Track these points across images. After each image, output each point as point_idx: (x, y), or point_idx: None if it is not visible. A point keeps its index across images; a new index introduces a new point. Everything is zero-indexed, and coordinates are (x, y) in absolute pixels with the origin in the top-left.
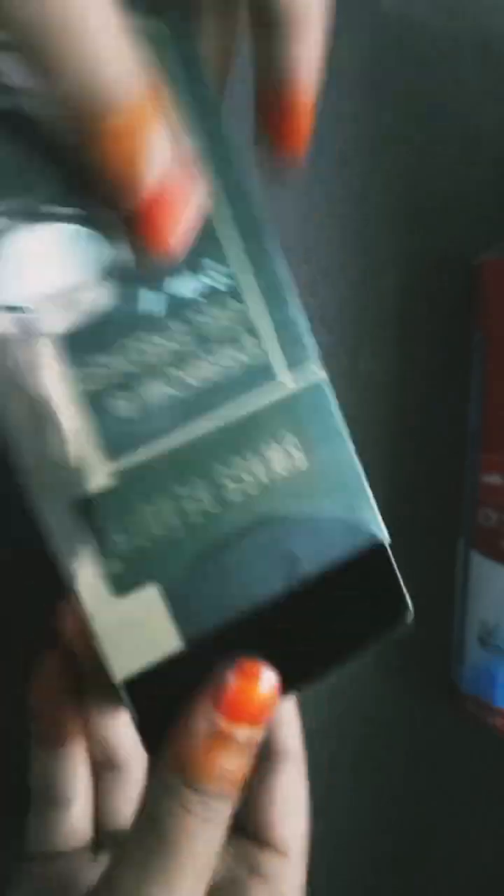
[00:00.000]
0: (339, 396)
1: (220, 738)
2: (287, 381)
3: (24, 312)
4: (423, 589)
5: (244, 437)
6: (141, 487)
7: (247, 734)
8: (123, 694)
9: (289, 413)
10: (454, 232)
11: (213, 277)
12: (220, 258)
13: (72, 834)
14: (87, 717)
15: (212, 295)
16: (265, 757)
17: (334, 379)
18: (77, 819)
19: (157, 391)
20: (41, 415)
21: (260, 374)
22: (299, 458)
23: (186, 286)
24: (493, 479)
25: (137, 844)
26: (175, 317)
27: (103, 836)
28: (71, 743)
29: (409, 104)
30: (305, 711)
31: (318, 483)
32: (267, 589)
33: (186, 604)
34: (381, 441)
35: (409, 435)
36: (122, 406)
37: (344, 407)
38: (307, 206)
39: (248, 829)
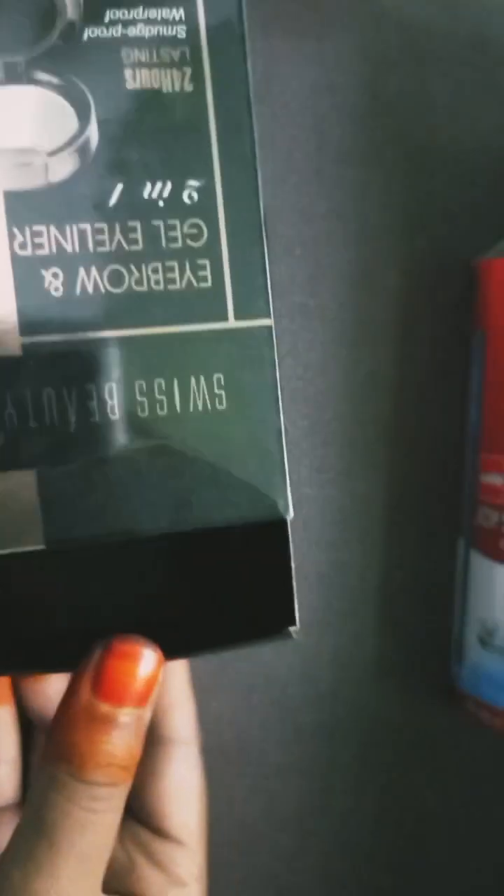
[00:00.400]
0: (339, 396)
1: (103, 723)
2: (231, 317)
3: None
4: (423, 589)
5: (170, 358)
6: (47, 372)
7: (131, 714)
8: None
9: (224, 350)
10: (454, 232)
11: (184, 187)
12: (199, 171)
13: None
14: (17, 678)
15: (177, 204)
16: (155, 742)
17: (334, 379)
18: (4, 778)
19: (91, 282)
20: None
21: (204, 301)
22: (220, 400)
23: (154, 187)
24: (493, 479)
25: (24, 838)
26: (131, 213)
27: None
28: (0, 703)
29: (409, 104)
30: (306, 711)
31: (232, 432)
32: (149, 525)
33: (59, 506)
34: (381, 441)
35: (409, 435)
36: (51, 283)
37: (344, 406)
38: (307, 205)
39: (141, 817)
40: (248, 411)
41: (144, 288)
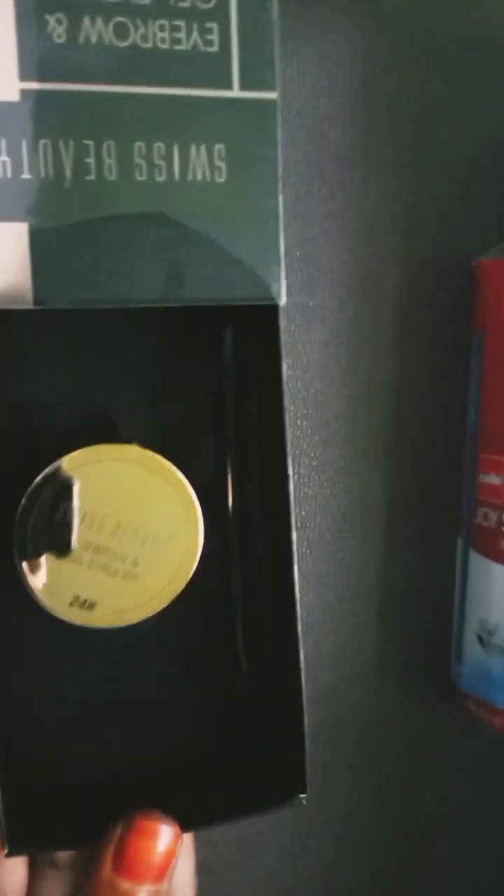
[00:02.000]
0: (339, 396)
1: None
2: (236, 86)
3: None
4: (422, 589)
5: (171, 122)
6: (44, 121)
7: (150, 890)
8: None
9: (227, 119)
10: (454, 232)
11: None
12: None
13: None
14: None
15: None
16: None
17: (334, 379)
18: None
19: (95, 32)
20: None
21: (209, 65)
22: (221, 172)
23: None
24: (492, 479)
25: None
26: None
27: None
28: None
29: (409, 104)
30: (306, 711)
31: (231, 207)
32: (141, 295)
33: (51, 265)
34: (381, 441)
35: (408, 435)
36: (54, 29)
37: (344, 406)
38: (307, 205)
39: None
40: (248, 187)
41: (149, 44)
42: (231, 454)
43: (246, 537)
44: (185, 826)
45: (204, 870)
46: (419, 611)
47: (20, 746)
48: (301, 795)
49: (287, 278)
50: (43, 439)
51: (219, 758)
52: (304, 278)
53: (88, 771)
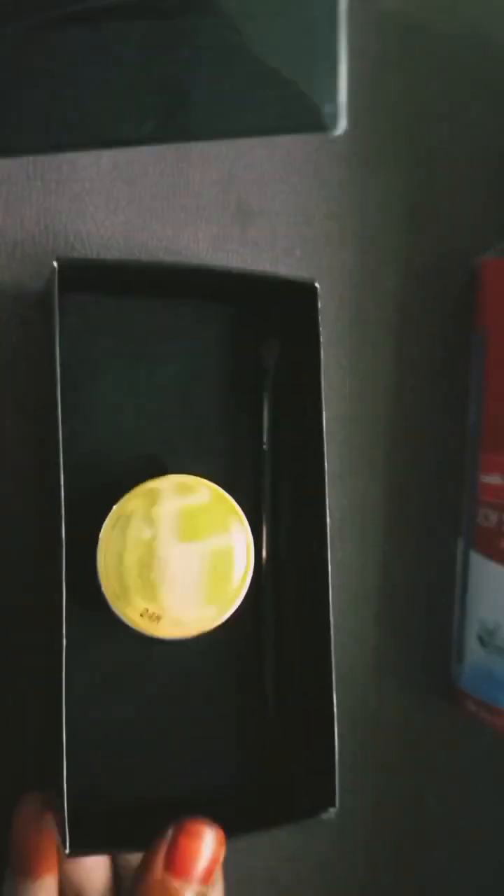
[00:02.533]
0: (338, 396)
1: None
2: None
3: None
4: (422, 589)
5: None
6: None
7: (196, 891)
8: None
9: None
10: (454, 232)
11: None
12: None
13: None
14: (60, 856)
15: None
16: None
17: (334, 379)
18: None
19: None
20: None
21: None
22: None
23: None
24: (492, 479)
25: None
26: None
27: None
28: (44, 876)
29: (409, 104)
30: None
31: (289, 33)
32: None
33: None
34: (381, 441)
35: (409, 435)
36: None
37: (343, 406)
38: (307, 206)
39: None
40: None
41: None
42: (269, 484)
43: (280, 579)
44: (227, 833)
45: None
46: (419, 611)
47: (82, 757)
48: (331, 809)
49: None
50: (112, 462)
51: (257, 773)
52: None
53: (141, 781)
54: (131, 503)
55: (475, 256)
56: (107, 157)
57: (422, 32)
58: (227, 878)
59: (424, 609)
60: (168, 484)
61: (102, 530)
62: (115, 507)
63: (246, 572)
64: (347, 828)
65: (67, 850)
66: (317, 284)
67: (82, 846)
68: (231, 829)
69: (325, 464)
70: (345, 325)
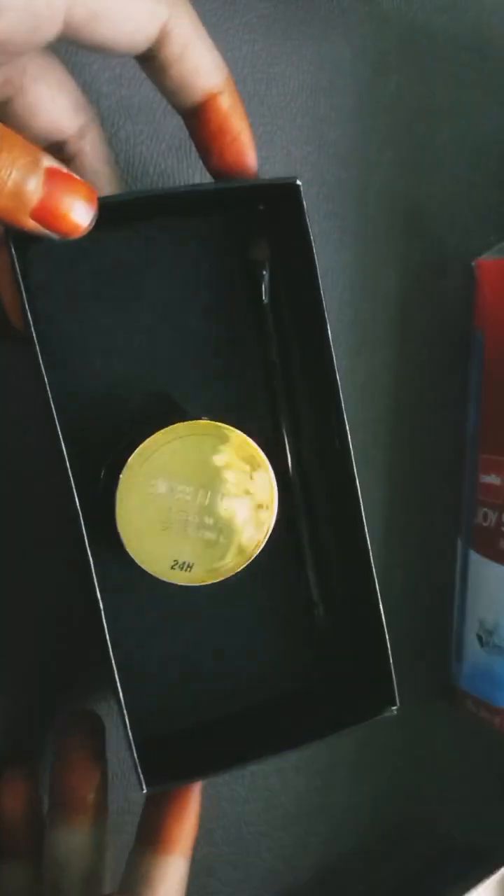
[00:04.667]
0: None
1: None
2: None
3: None
4: (422, 589)
5: None
6: None
7: None
8: None
9: None
10: (454, 232)
11: None
12: None
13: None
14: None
15: None
16: (157, 850)
17: None
18: None
19: None
20: None
21: None
22: None
23: None
24: (491, 479)
25: None
26: None
27: None
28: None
29: (410, 104)
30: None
31: None
32: None
33: None
34: (381, 441)
35: (409, 435)
36: None
37: (344, 406)
38: (307, 206)
39: None
40: None
41: None
42: (284, 411)
43: (308, 488)
44: (295, 742)
45: (204, 870)
46: (419, 611)
47: (139, 700)
48: (392, 707)
49: None
50: (114, 411)
51: (315, 683)
52: None
53: (205, 711)
54: (146, 457)
55: (475, 256)
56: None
57: (422, 32)
58: (227, 878)
59: (424, 609)
60: (179, 432)
61: (119, 488)
62: (129, 462)
63: (270, 507)
64: (347, 827)
65: (144, 789)
66: (298, 182)
67: (157, 784)
68: (297, 738)
69: (336, 369)
70: (345, 325)
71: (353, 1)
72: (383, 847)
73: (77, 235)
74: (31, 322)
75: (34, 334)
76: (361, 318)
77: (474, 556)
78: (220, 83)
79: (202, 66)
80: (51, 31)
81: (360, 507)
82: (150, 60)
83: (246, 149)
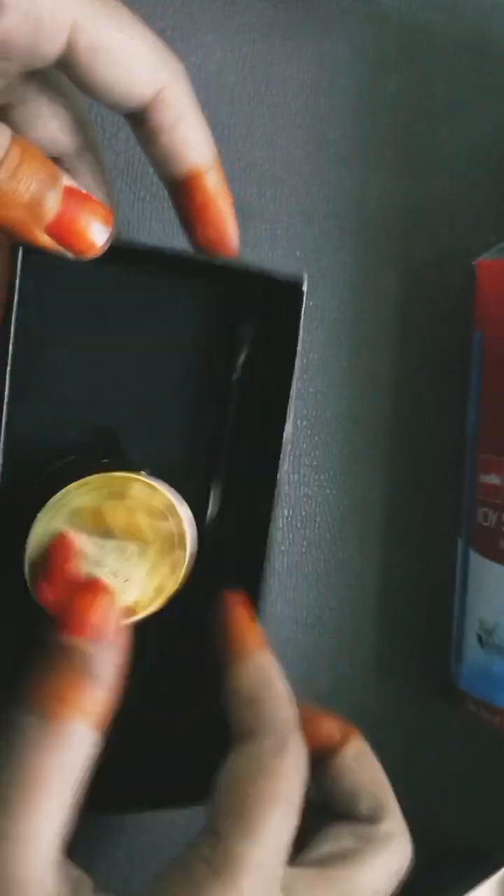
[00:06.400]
0: (339, 396)
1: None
2: None
3: None
4: (422, 589)
5: None
6: None
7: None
8: None
9: None
10: (454, 232)
11: None
12: None
13: None
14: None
15: None
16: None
17: (334, 379)
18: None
19: None
20: None
21: None
22: None
23: None
24: (491, 479)
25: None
26: None
27: None
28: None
29: (409, 104)
30: None
31: None
32: None
33: None
34: (381, 441)
35: (408, 435)
36: None
37: (344, 406)
38: (307, 206)
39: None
40: None
41: None
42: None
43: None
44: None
45: None
46: (419, 610)
47: None
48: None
49: None
50: (60, 436)
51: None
52: None
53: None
54: (58, 516)
55: (475, 256)
56: (108, 154)
57: (422, 32)
58: None
59: (424, 609)
60: (94, 485)
61: (31, 538)
62: (45, 507)
63: (185, 554)
64: None
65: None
66: (304, 287)
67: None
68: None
69: (280, 465)
70: (345, 325)
71: (353, 1)
72: None
73: (91, 255)
74: (14, 320)
75: (12, 333)
76: (361, 318)
77: (474, 556)
78: (209, 161)
79: (192, 141)
80: (53, 47)
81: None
82: (142, 124)
83: (229, 230)
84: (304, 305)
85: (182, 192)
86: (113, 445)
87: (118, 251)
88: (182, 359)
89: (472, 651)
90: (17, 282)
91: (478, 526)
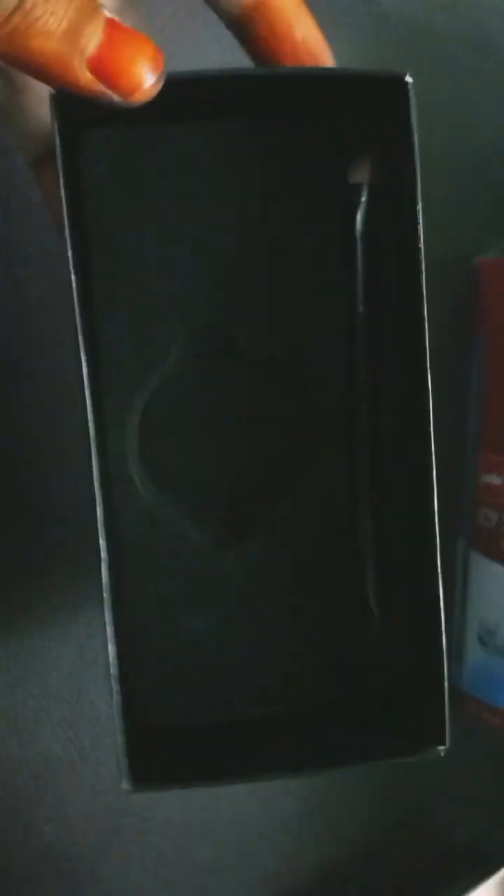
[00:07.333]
0: None
1: None
2: None
3: None
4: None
5: None
6: None
7: None
8: None
9: None
10: (454, 232)
11: None
12: None
13: None
14: None
15: None
16: None
17: None
18: None
19: None
20: None
21: None
22: None
23: None
24: (492, 479)
25: None
26: None
27: None
28: None
29: None
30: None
31: None
32: None
33: None
34: None
35: None
36: None
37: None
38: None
39: None
40: None
41: None
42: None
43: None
44: (305, 768)
45: (204, 870)
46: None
47: (143, 683)
48: (440, 748)
49: None
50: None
51: (347, 697)
52: None
53: (212, 709)
54: None
55: (475, 256)
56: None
57: (422, 32)
58: (227, 878)
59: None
60: None
61: None
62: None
63: None
64: (346, 827)
65: (128, 787)
66: (408, 78)
67: (145, 781)
68: (312, 761)
69: (426, 334)
70: None
71: (354, 1)
72: (383, 847)
73: (141, 99)
74: (67, 225)
75: (68, 238)
76: None
77: (475, 557)
78: None
79: None
80: None
81: (433, 503)
82: None
83: (320, 49)
84: (412, 102)
85: (253, 26)
86: (226, 344)
87: (180, 86)
88: (284, 218)
89: (473, 651)
90: (61, 152)
91: (479, 526)
